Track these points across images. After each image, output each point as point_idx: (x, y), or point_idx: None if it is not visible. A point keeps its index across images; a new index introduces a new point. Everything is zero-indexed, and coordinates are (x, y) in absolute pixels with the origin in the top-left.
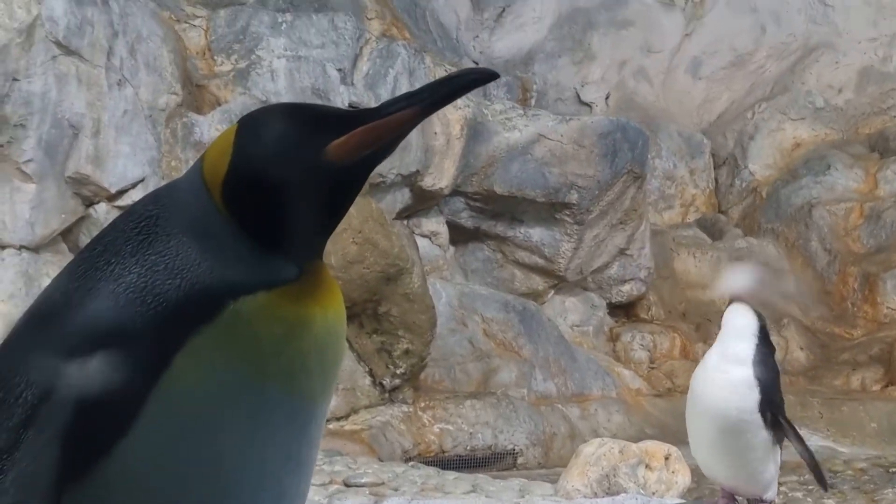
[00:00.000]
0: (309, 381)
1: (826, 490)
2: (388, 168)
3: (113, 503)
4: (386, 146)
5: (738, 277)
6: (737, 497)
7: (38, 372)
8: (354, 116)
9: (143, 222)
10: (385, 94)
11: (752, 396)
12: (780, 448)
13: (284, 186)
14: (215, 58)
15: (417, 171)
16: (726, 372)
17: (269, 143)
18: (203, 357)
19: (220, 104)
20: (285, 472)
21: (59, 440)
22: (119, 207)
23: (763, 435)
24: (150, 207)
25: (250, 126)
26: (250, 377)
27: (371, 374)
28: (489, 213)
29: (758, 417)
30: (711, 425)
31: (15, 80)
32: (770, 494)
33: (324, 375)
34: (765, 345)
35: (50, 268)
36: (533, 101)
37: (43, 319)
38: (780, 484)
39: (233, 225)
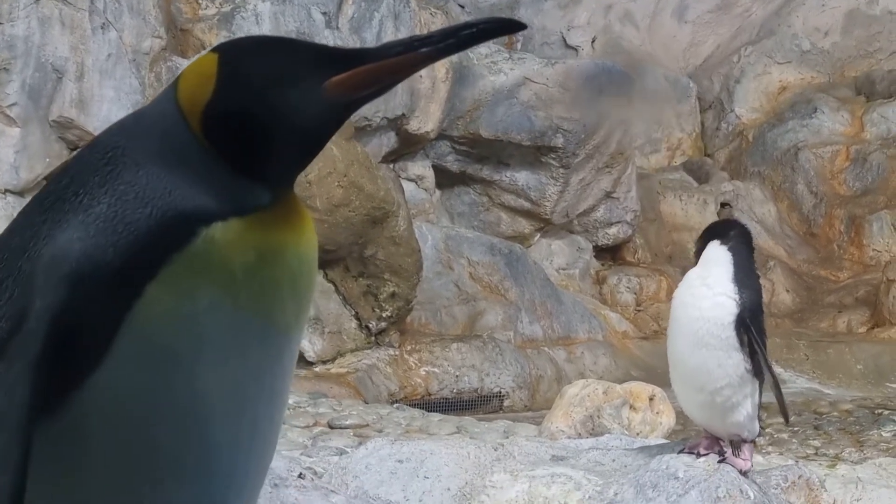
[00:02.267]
0: (282, 310)
1: (787, 423)
2: (374, 112)
3: (86, 435)
4: (385, 87)
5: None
6: (721, 440)
7: (7, 305)
8: (354, 55)
9: (110, 153)
10: (370, 38)
11: (729, 310)
12: (760, 386)
13: (276, 117)
14: (199, 1)
15: (403, 115)
16: (705, 279)
17: (265, 73)
18: (176, 285)
19: (204, 48)
20: (259, 402)
21: (31, 373)
22: None
23: (737, 358)
24: (117, 138)
25: (239, 55)
26: (223, 305)
27: (357, 317)
28: (475, 156)
29: (733, 336)
30: (683, 340)
31: None
32: (749, 434)
33: (297, 304)
34: (751, 270)
35: None
36: (519, 45)
37: (11, 253)
38: (766, 426)
39: (208, 152)
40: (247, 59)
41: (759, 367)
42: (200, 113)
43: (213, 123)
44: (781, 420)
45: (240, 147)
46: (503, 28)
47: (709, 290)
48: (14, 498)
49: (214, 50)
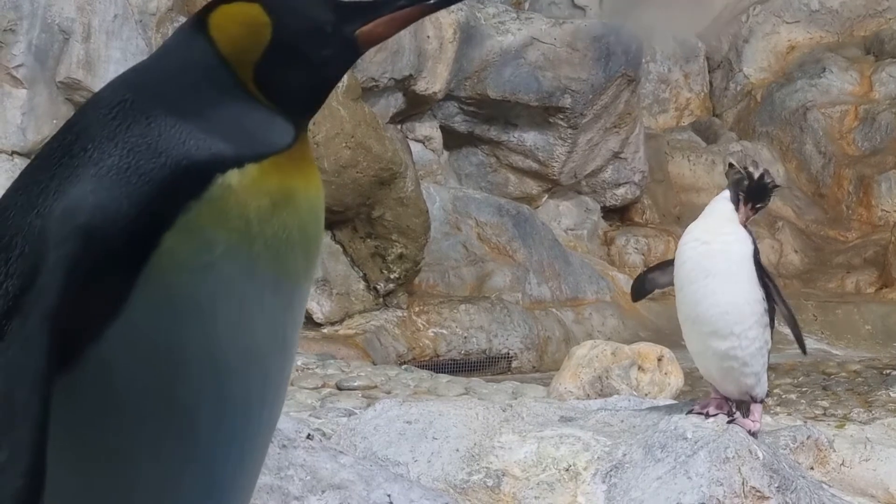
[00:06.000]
0: (293, 257)
1: (805, 353)
2: (381, 72)
3: (105, 389)
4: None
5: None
6: (729, 400)
7: (18, 261)
8: (371, 6)
9: (117, 107)
10: None
11: (748, 244)
12: (771, 334)
13: (323, 63)
14: None
15: (410, 76)
16: (714, 215)
17: (316, 23)
18: (192, 233)
19: None
20: (272, 353)
21: (47, 326)
22: None
23: (760, 294)
24: (122, 91)
25: (285, 4)
26: (239, 252)
27: (365, 278)
28: (483, 117)
29: (754, 269)
30: (711, 280)
31: None
32: (759, 392)
33: (306, 252)
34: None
35: None
36: (526, 5)
37: (18, 210)
38: (774, 387)
39: (245, 97)
40: (294, 10)
41: (773, 305)
42: (256, 61)
43: (271, 70)
44: (790, 381)
45: (288, 91)
46: None
47: (726, 227)
48: (35, 451)
49: None
